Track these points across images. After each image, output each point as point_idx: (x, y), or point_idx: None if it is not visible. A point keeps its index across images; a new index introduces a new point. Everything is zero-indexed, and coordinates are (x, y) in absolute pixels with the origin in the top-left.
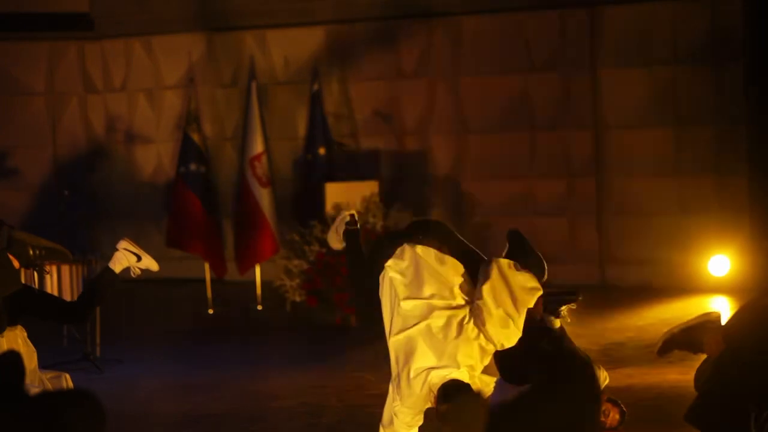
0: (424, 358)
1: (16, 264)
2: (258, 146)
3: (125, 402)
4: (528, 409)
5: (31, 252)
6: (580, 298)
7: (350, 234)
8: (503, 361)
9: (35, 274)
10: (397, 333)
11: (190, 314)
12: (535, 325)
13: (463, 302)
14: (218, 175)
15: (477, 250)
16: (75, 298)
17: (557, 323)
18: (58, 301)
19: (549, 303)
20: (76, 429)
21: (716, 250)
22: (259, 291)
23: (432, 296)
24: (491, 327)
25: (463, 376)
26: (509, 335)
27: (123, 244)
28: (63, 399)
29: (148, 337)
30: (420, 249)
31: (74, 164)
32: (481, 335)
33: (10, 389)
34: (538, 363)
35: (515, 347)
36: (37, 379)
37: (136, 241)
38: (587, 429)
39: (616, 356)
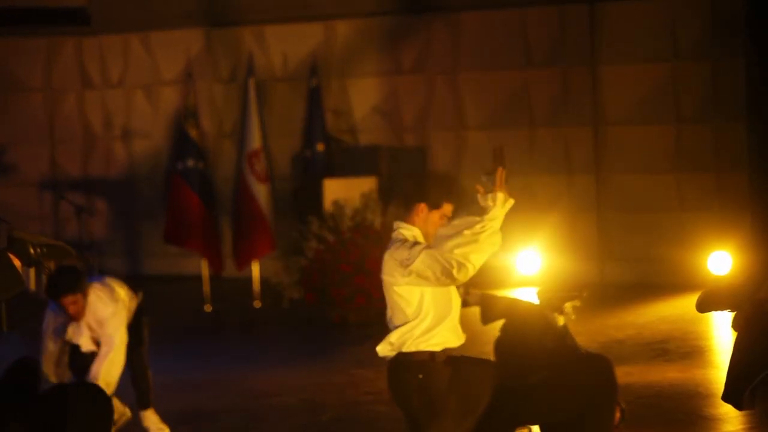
0: None
1: (17, 263)
2: (256, 142)
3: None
4: (529, 402)
5: (32, 250)
6: (584, 295)
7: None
8: (505, 357)
9: (33, 272)
10: None
11: (188, 311)
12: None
13: None
14: (216, 172)
15: None
16: None
17: (561, 320)
18: None
19: (553, 300)
20: (86, 419)
21: (716, 246)
22: (257, 288)
23: None
24: None
25: None
26: None
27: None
28: (73, 391)
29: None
30: None
31: (71, 160)
32: None
33: (27, 390)
34: (541, 361)
35: (517, 344)
36: None
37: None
38: (589, 426)
39: (616, 354)
